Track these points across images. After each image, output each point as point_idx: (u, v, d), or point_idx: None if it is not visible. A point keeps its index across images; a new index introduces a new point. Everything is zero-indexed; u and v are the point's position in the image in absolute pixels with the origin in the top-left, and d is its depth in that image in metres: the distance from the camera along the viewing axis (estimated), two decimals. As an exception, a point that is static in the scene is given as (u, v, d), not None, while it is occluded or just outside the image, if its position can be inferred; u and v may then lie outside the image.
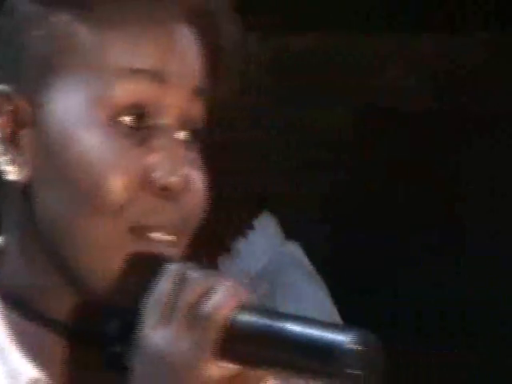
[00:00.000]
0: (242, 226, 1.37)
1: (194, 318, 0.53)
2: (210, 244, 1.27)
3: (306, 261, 1.45)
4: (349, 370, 0.49)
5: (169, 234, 0.59)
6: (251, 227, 1.35)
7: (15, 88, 0.59)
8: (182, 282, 0.54)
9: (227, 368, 0.53)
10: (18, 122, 0.59)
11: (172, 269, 0.55)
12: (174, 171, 0.57)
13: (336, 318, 1.38)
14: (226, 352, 0.53)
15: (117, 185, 0.56)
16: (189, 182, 0.58)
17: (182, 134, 0.60)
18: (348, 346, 0.50)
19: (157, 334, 0.53)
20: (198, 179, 0.59)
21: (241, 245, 1.34)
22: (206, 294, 0.53)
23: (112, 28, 0.58)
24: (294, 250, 1.42)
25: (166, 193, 0.57)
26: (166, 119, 0.59)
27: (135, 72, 0.58)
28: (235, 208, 1.42)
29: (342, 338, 0.50)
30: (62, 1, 0.59)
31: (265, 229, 1.31)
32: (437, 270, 3.29)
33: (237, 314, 0.53)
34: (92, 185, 0.57)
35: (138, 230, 0.58)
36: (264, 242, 1.30)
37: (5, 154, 0.59)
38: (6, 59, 0.61)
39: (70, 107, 0.58)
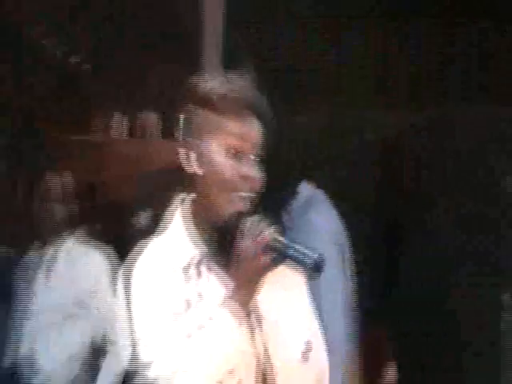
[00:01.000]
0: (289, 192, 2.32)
1: (255, 241, 1.29)
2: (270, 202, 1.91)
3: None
4: (311, 268, 1.24)
5: (247, 195, 1.36)
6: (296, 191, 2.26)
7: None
8: (253, 225, 1.30)
9: (265, 262, 1.28)
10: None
11: (251, 219, 1.31)
12: (250, 171, 1.34)
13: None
14: (265, 253, 1.28)
15: (230, 178, 1.33)
16: (255, 175, 1.36)
17: (253, 156, 1.38)
18: (313, 259, 1.24)
19: (240, 242, 1.29)
20: (257, 174, 1.36)
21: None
22: (261, 231, 1.29)
23: (227, 117, 1.36)
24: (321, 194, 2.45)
25: (247, 180, 1.34)
26: (248, 151, 1.36)
27: (236, 134, 1.36)
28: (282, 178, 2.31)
29: (312, 255, 1.24)
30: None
31: (306, 192, 2.26)
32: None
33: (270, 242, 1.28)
34: (222, 178, 1.34)
35: (237, 193, 1.34)
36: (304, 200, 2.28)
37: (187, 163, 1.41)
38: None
39: (213, 146, 1.36)
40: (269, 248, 1.32)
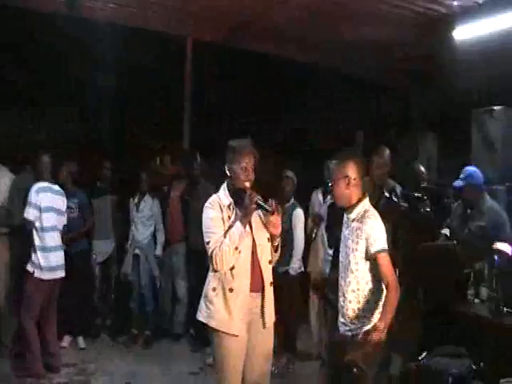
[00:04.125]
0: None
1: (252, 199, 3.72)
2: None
3: None
4: None
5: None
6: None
7: None
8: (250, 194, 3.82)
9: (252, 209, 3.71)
10: None
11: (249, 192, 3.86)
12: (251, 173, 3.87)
13: None
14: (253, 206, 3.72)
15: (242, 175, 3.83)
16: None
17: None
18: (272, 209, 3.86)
19: (246, 200, 3.73)
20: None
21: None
22: (253, 196, 3.75)
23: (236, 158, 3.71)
24: None
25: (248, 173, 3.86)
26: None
27: (242, 167, 3.74)
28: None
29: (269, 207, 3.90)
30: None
31: None
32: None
33: None
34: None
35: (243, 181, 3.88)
36: None
37: None
38: None
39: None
40: (255, 204, 3.57)
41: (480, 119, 6.39)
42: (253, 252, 3.74)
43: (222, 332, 3.70)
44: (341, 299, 3.65)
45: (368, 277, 3.57)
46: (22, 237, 5.84)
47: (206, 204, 3.76)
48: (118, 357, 6.55)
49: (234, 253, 3.61)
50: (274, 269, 5.96)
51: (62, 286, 6.00)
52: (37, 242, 5.68)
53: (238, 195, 3.76)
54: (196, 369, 6.18)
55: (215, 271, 3.67)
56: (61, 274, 5.84)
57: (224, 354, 3.72)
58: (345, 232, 3.67)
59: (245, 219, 3.66)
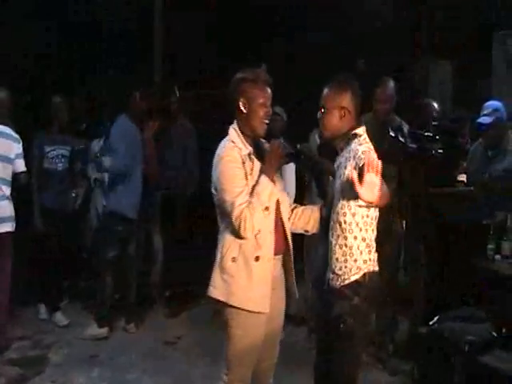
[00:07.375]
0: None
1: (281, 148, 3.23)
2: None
3: None
4: None
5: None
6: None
7: None
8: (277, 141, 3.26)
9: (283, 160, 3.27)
10: None
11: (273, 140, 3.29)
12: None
13: None
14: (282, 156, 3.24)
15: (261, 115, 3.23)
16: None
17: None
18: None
19: (272, 148, 3.21)
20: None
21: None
22: (283, 145, 3.24)
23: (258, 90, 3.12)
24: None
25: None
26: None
27: (261, 103, 3.11)
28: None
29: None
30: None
31: None
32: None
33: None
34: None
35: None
36: None
37: None
38: None
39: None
40: (285, 154, 3.14)
41: (502, 41, 5.70)
42: (276, 210, 3.25)
43: (244, 310, 3.17)
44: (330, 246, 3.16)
45: (358, 218, 3.09)
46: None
47: (223, 155, 3.15)
48: (82, 325, 5.69)
49: (264, 214, 3.12)
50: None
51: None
52: None
53: (257, 142, 3.29)
54: (172, 338, 5.58)
55: (240, 238, 3.11)
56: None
57: (242, 335, 3.22)
58: (336, 175, 3.18)
59: (272, 172, 3.17)
